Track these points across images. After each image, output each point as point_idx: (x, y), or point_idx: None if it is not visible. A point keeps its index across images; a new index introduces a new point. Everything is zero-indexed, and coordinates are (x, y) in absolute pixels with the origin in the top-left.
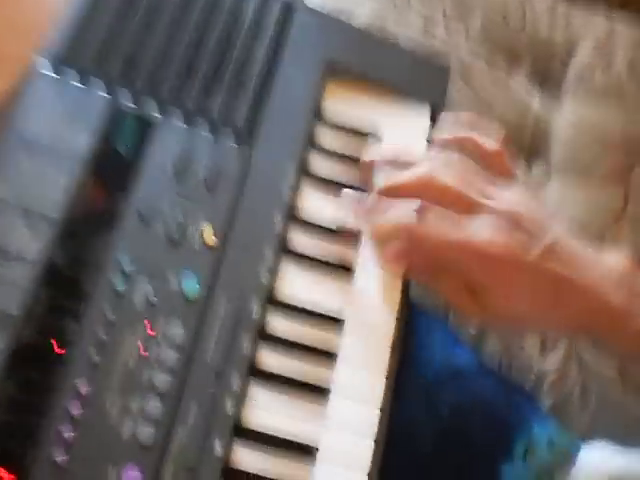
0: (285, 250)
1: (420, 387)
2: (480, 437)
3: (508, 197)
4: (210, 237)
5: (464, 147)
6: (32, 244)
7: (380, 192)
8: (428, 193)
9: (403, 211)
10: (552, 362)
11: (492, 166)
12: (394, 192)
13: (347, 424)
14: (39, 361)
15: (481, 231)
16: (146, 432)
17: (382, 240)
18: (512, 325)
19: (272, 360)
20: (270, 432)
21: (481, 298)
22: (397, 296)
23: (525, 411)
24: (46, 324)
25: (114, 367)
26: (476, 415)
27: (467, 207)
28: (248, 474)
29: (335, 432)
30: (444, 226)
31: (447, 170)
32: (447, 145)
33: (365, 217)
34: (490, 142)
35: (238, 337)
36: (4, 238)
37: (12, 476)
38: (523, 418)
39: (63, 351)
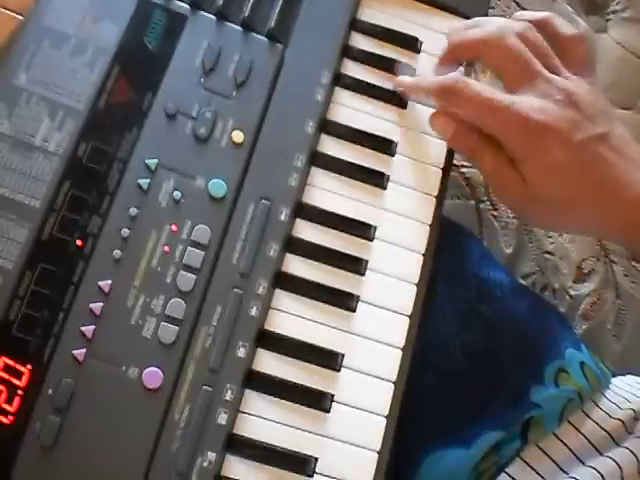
0: (315, 154)
1: (453, 304)
2: (512, 357)
3: (575, 80)
4: (239, 135)
5: (542, 30)
6: (56, 136)
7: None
8: (491, 52)
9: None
10: (588, 286)
11: (567, 53)
12: (459, 48)
13: (376, 332)
14: (61, 255)
15: (529, 99)
16: (168, 331)
17: (430, 94)
18: (554, 215)
19: (299, 265)
20: (295, 337)
21: (521, 172)
22: (431, 207)
23: (558, 334)
24: (69, 218)
25: (137, 264)
26: (509, 335)
27: (527, 75)
28: (271, 378)
29: (363, 340)
30: (491, 90)
31: (518, 37)
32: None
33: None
34: (570, 27)
35: (265, 240)
36: (29, 129)
37: (28, 368)
38: (556, 341)
39: (85, 246)
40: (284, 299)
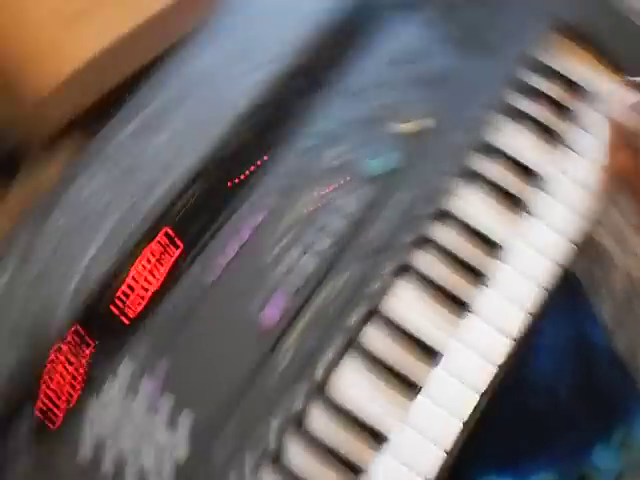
0: (470, 171)
1: (549, 343)
2: (588, 409)
3: None
4: (410, 127)
5: None
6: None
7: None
8: None
9: None
10: None
11: None
12: None
13: (478, 343)
14: (229, 181)
15: None
16: (296, 279)
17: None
18: None
19: (427, 262)
20: (403, 325)
21: None
22: (565, 248)
23: (633, 403)
24: (235, 159)
25: (284, 214)
26: (590, 389)
27: None
28: (372, 353)
29: (464, 347)
30: None
31: None
32: None
33: None
34: None
35: (401, 229)
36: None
37: (180, 246)
38: (629, 409)
39: (251, 176)
40: (403, 287)
